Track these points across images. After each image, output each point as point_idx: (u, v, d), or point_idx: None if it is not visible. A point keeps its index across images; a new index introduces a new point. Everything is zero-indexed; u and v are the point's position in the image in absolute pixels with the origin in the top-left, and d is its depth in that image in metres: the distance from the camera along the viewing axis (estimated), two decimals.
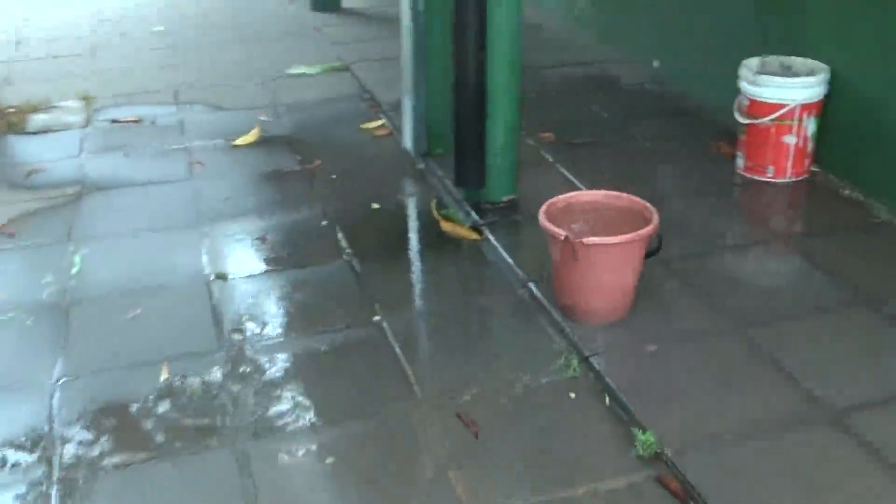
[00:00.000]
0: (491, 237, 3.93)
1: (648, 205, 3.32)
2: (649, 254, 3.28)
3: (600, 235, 3.22)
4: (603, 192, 3.45)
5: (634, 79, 5.79)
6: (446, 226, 4.05)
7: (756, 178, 4.40)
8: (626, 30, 6.16)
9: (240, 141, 5.03)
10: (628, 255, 3.18)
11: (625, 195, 3.41)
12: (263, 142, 5.07)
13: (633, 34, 6.07)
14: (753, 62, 4.43)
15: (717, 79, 5.14)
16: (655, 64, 5.82)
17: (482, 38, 3.82)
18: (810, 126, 4.30)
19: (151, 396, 3.03)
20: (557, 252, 3.21)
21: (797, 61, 4.43)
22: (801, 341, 3.20)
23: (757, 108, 4.31)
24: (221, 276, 3.71)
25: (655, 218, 3.23)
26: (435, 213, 4.16)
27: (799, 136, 4.29)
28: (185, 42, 7.00)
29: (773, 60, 4.47)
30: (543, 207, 3.30)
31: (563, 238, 3.13)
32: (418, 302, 3.64)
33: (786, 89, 4.23)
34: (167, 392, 3.05)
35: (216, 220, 4.20)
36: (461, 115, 3.97)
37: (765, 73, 4.33)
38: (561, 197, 3.40)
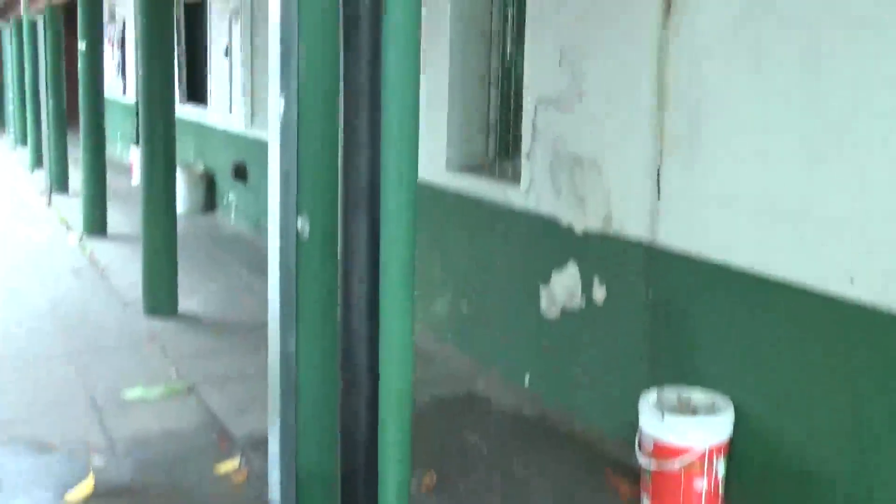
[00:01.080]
0: None
1: None
2: None
3: None
4: None
5: (509, 399, 5.42)
6: None
7: None
8: (494, 344, 5.85)
9: (71, 497, 4.28)
10: None
11: None
12: (101, 495, 4.33)
13: (503, 349, 5.76)
14: (652, 397, 4.12)
15: (604, 403, 4.84)
16: (527, 381, 5.50)
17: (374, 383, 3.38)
18: (720, 468, 3.97)
19: None
20: None
21: (696, 394, 4.16)
22: None
23: (662, 451, 3.95)
24: None
25: None
26: None
27: (710, 480, 3.94)
28: (3, 358, 6.25)
29: (671, 394, 4.18)
30: None
31: None
32: None
33: (694, 432, 3.91)
34: None
35: None
36: (349, 482, 3.44)
37: (665, 410, 4.02)
38: None
